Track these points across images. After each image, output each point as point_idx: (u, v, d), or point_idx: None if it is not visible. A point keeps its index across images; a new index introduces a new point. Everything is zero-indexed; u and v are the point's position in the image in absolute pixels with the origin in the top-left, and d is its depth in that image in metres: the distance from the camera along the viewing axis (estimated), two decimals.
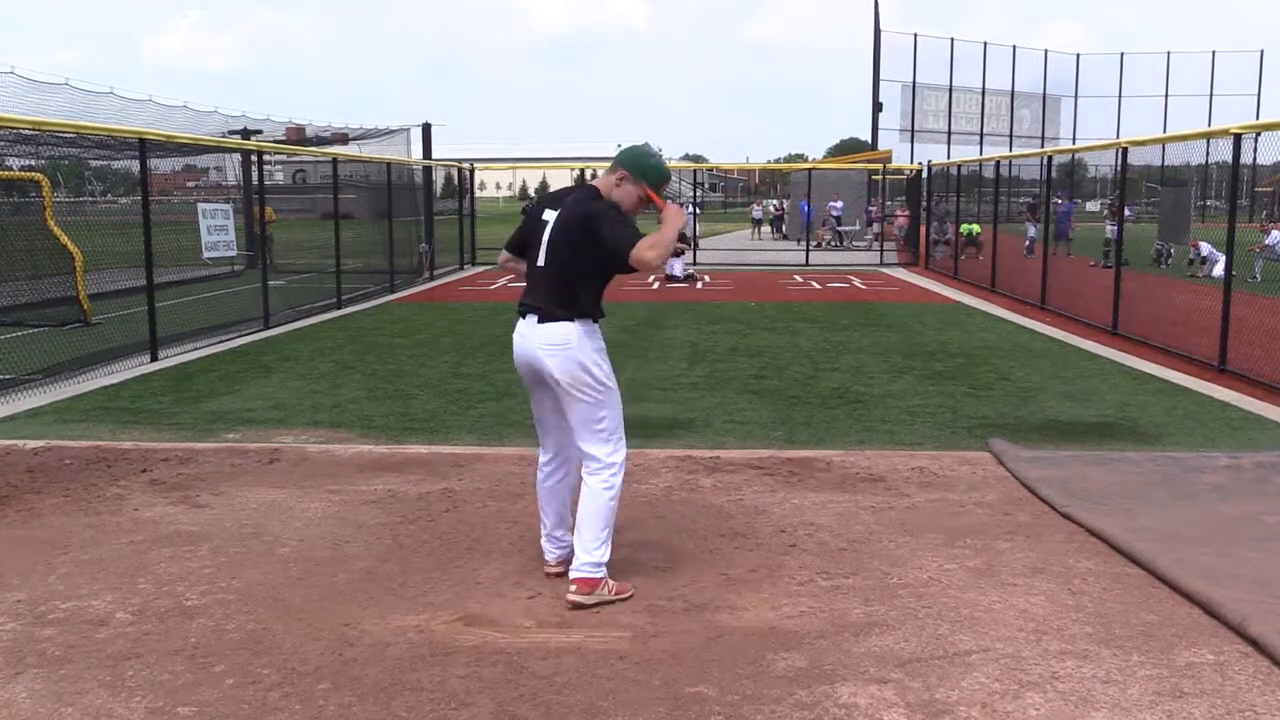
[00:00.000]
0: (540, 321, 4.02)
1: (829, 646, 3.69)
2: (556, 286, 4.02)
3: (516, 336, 4.14)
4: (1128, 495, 5.47)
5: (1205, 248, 19.20)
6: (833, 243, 31.04)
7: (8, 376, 8.73)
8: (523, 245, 4.27)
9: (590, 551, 4.03)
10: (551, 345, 3.99)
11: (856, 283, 19.98)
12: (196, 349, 10.97)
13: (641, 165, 4.15)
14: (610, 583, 4.08)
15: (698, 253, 26.00)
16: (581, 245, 3.98)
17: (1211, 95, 47.89)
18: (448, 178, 27.94)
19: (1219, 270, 18.00)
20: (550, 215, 4.10)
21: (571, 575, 4.06)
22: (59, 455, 6.39)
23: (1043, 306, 14.78)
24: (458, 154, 31.51)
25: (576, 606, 3.98)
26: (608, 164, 4.24)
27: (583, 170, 31.99)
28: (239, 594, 4.18)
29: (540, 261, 4.08)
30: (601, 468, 4.05)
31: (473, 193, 26.51)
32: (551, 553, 4.36)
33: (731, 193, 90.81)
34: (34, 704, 3.28)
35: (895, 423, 7.46)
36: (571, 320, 3.99)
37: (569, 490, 4.33)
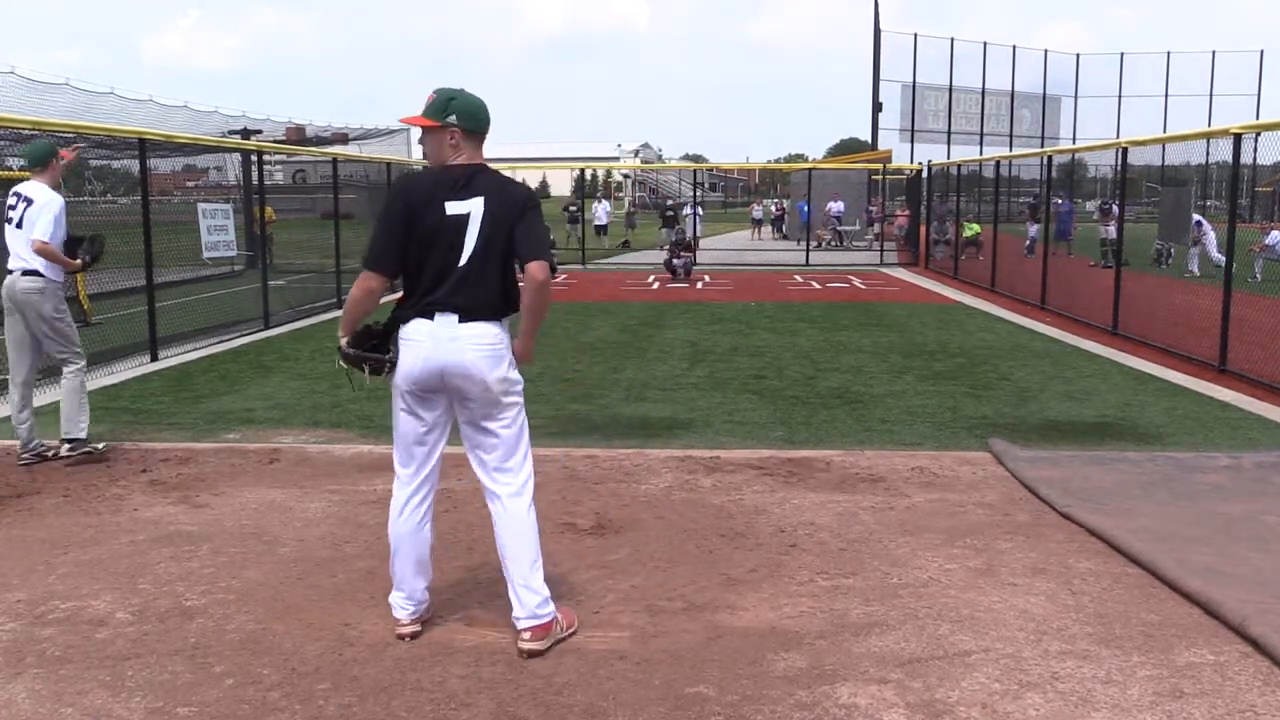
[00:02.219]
0: (464, 321, 3.52)
1: (829, 646, 3.69)
2: (491, 284, 3.56)
3: (424, 340, 3.54)
4: (1127, 495, 5.47)
5: (1203, 223, 19.13)
6: (833, 243, 31.06)
7: (7, 376, 8.71)
8: (404, 252, 3.58)
9: (539, 590, 3.65)
10: (486, 346, 3.54)
11: (856, 283, 19.98)
12: (196, 349, 10.98)
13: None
14: (559, 617, 3.73)
15: (697, 253, 26.02)
16: (510, 234, 3.56)
17: (1211, 95, 47.88)
18: None
19: (1212, 247, 17.96)
20: (465, 208, 3.53)
21: (526, 624, 3.63)
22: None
23: (1043, 306, 14.78)
24: None
25: (534, 655, 3.60)
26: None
27: (583, 170, 32.04)
28: (239, 594, 4.18)
29: (463, 260, 3.52)
30: (524, 485, 3.71)
31: None
32: (406, 609, 3.78)
33: (731, 193, 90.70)
34: (34, 704, 3.28)
35: (895, 423, 7.46)
36: (497, 320, 3.60)
37: (429, 530, 3.80)
